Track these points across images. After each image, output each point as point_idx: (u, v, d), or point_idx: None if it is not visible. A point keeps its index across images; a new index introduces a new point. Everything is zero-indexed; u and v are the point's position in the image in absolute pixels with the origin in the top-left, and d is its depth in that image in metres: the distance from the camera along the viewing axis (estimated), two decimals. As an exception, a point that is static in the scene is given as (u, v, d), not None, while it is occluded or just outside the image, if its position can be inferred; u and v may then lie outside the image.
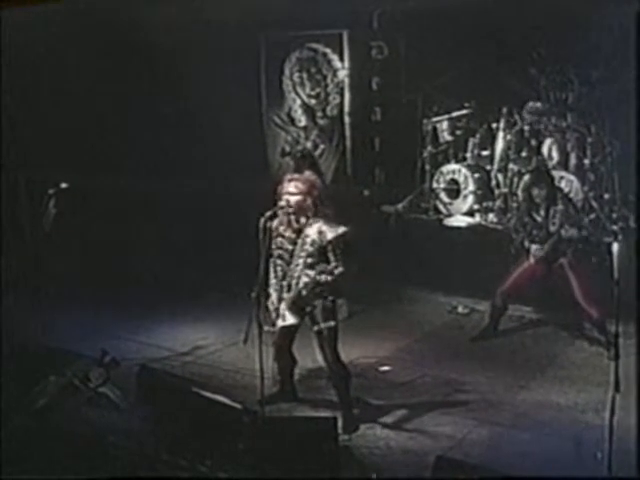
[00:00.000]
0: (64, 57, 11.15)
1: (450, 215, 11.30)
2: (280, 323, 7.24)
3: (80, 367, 7.45)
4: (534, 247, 8.95)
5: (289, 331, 7.36)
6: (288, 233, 7.17)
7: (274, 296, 7.24)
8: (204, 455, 6.37)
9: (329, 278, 6.99)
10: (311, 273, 7.03)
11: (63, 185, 8.51)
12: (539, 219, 8.95)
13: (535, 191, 8.95)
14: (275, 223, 7.14)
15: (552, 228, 8.86)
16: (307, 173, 8.79)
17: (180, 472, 6.37)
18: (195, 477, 6.31)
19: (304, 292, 7.05)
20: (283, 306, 7.18)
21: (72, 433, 6.78)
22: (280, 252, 7.19)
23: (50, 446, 6.57)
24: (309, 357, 7.82)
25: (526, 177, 9.64)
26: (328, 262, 7.03)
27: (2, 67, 10.41)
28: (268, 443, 6.31)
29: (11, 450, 6.51)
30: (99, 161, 11.63)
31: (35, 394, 7.20)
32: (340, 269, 6.99)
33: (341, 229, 7.10)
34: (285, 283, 7.17)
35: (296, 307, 7.16)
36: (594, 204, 10.30)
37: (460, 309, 10.16)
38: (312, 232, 7.08)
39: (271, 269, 7.22)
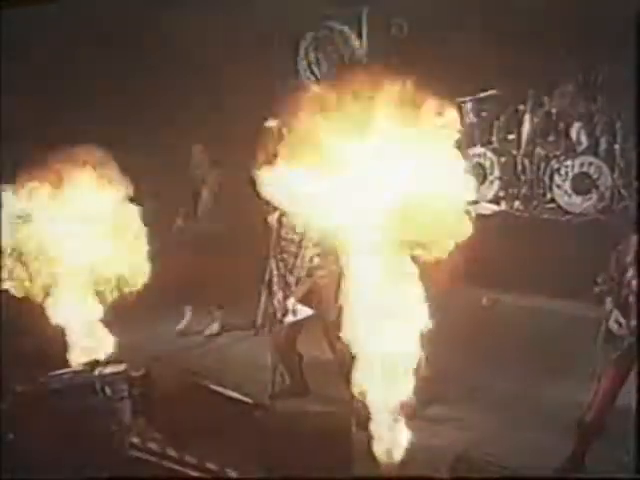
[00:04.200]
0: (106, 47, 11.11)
1: (475, 202, 11.03)
2: (291, 318, 7.24)
3: (88, 357, 7.44)
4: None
5: (295, 327, 7.41)
6: (292, 230, 7.20)
7: (280, 295, 7.24)
8: (213, 450, 6.30)
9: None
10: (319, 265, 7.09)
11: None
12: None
13: None
14: (280, 218, 7.19)
15: None
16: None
17: (188, 469, 6.26)
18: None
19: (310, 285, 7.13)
20: (291, 301, 7.19)
21: (77, 424, 6.66)
22: (284, 244, 7.25)
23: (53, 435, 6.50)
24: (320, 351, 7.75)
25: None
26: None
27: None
28: (280, 438, 6.27)
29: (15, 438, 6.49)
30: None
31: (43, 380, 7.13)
32: None
33: None
34: (292, 279, 7.20)
35: (305, 299, 7.20)
36: (623, 192, 10.01)
37: (484, 300, 9.93)
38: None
39: (274, 266, 7.28)
